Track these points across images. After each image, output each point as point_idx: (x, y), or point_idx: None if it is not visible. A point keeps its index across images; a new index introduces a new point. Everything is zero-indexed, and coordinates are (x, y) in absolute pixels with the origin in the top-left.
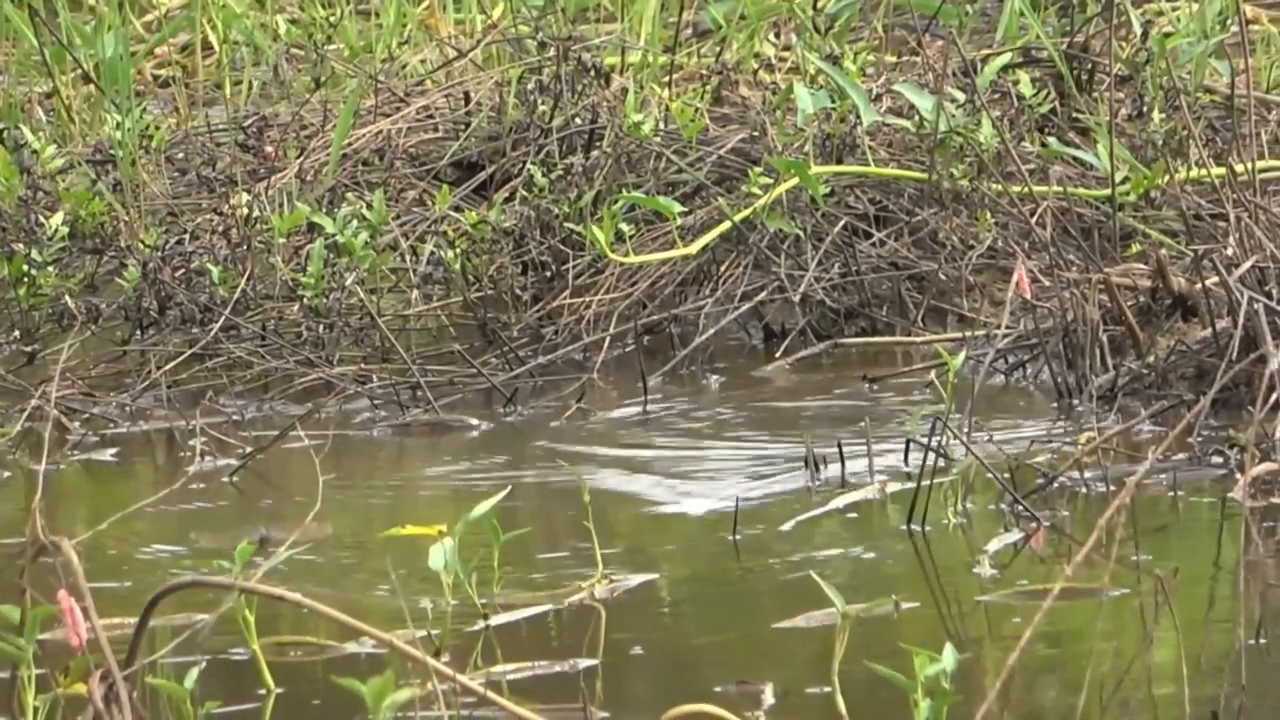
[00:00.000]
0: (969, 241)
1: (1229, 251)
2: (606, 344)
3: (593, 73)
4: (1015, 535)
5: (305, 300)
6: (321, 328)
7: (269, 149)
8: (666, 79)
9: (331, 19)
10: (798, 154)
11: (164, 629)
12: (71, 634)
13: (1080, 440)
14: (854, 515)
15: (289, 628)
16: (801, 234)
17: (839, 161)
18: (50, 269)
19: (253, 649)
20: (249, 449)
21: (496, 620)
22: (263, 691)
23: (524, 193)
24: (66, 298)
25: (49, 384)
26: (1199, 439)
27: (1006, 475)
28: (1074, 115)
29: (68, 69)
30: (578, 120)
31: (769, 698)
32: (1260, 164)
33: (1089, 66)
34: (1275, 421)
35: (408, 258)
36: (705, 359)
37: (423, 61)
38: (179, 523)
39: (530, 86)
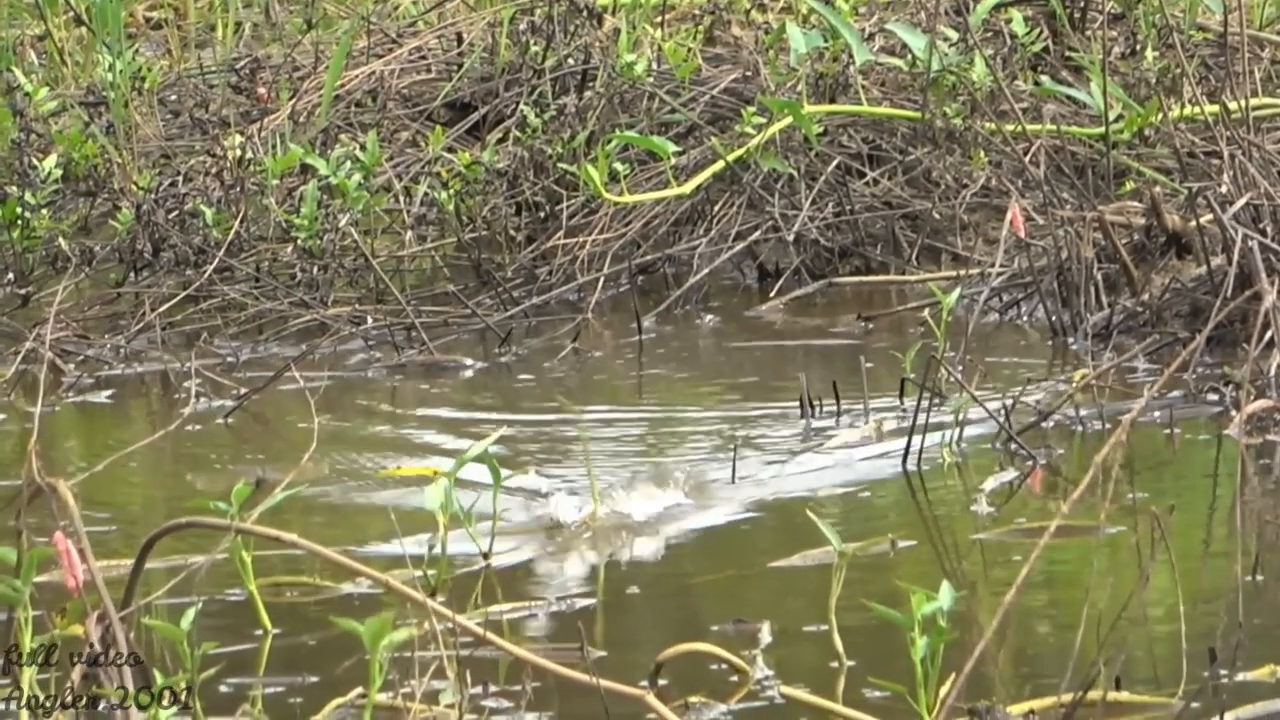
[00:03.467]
0: (963, 180)
1: (1223, 189)
2: (601, 284)
3: (585, 13)
4: (1011, 474)
5: (299, 242)
6: (316, 269)
7: (262, 91)
8: (659, 19)
9: None
10: (791, 93)
11: (160, 570)
12: (68, 575)
13: (1075, 378)
14: (849, 454)
15: (285, 569)
16: (795, 173)
17: (832, 101)
18: (44, 211)
19: (249, 590)
20: (244, 390)
21: (496, 561)
22: (259, 632)
23: (517, 133)
24: (60, 240)
25: (43, 326)
26: (1194, 376)
27: (1002, 413)
28: (1067, 53)
29: (59, 11)
30: (570, 61)
31: (766, 636)
32: (1253, 101)
33: (1082, 4)
34: (1270, 358)
35: (401, 199)
36: (700, 298)
37: (415, 2)
38: (174, 464)
39: (522, 27)
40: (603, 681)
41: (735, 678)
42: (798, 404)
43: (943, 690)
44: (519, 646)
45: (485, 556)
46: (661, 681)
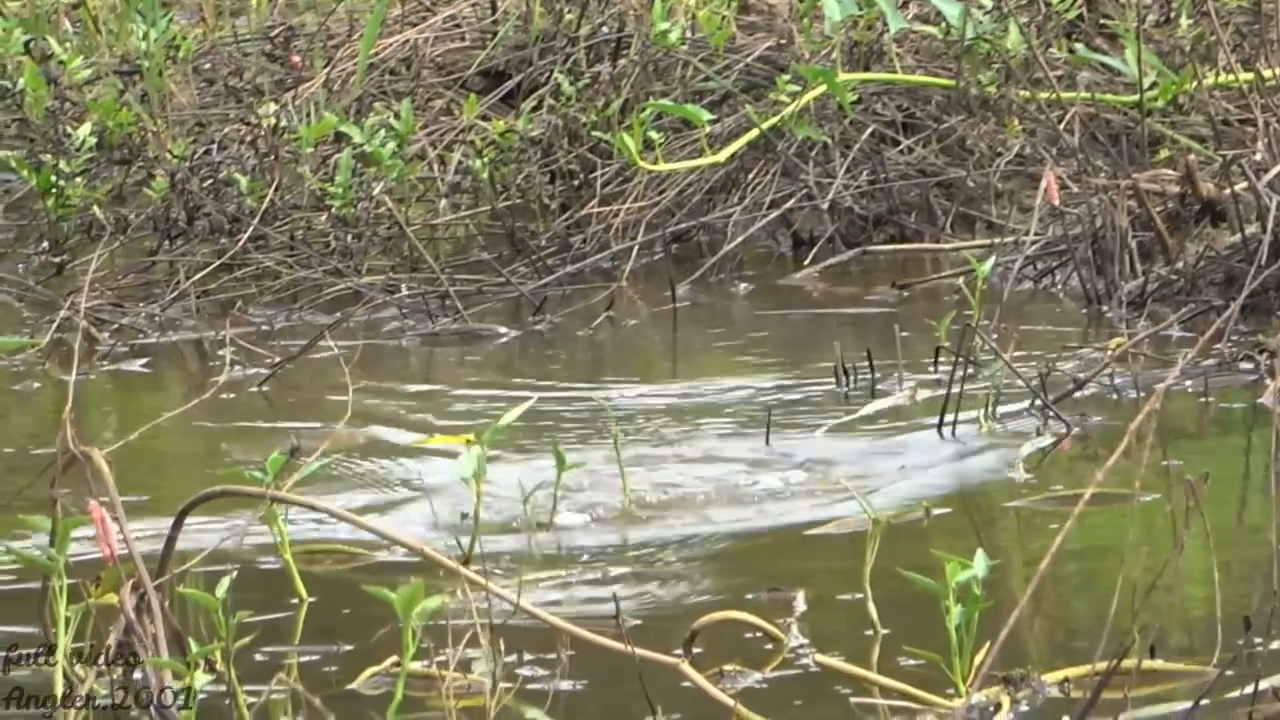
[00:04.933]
0: (997, 148)
1: (1257, 156)
2: (635, 252)
3: None
4: (1046, 441)
5: (333, 210)
6: (350, 237)
7: (296, 59)
8: None
9: None
10: (825, 61)
11: (195, 538)
12: (103, 544)
13: (1110, 346)
14: (884, 422)
15: (320, 537)
16: (829, 141)
17: (866, 69)
18: (78, 180)
19: (285, 558)
20: (278, 358)
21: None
22: (294, 601)
23: (551, 101)
24: (95, 208)
25: (78, 294)
26: (1228, 344)
27: (1036, 381)
28: (1101, 21)
29: None
30: (605, 28)
31: (800, 604)
32: None
33: None
34: None
35: (435, 167)
36: (734, 267)
37: None
38: (209, 433)
39: None
40: (637, 650)
41: (770, 646)
42: (832, 372)
43: (977, 658)
44: (553, 616)
45: (542, 527)
46: (696, 650)
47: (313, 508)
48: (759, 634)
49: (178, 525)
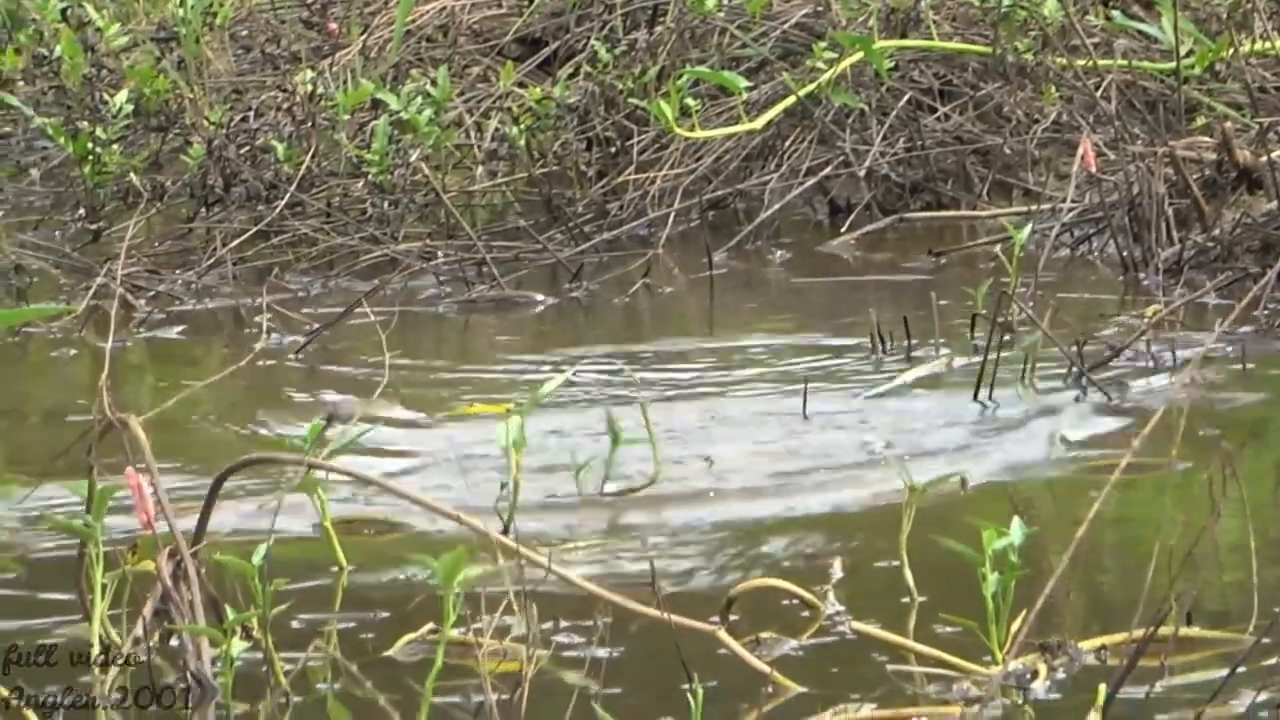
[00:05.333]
0: (1034, 115)
1: None
2: (671, 219)
3: None
4: (1088, 410)
5: (370, 177)
6: (386, 204)
7: (333, 26)
8: None
9: None
10: (862, 28)
11: (232, 505)
12: (139, 512)
13: (1147, 314)
14: (921, 390)
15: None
16: (866, 108)
17: (903, 36)
18: (115, 147)
19: (324, 525)
20: (315, 326)
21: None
22: (333, 568)
23: (588, 68)
24: (131, 175)
25: (114, 261)
26: (1265, 311)
27: (1073, 348)
28: None
29: None
30: None
31: (837, 572)
32: None
33: None
34: None
35: (472, 134)
36: (770, 234)
37: None
38: (245, 400)
39: None
40: (674, 617)
41: (806, 613)
42: (868, 339)
43: (1014, 626)
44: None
45: (602, 496)
46: (732, 617)
47: (349, 475)
48: (795, 601)
49: (214, 493)
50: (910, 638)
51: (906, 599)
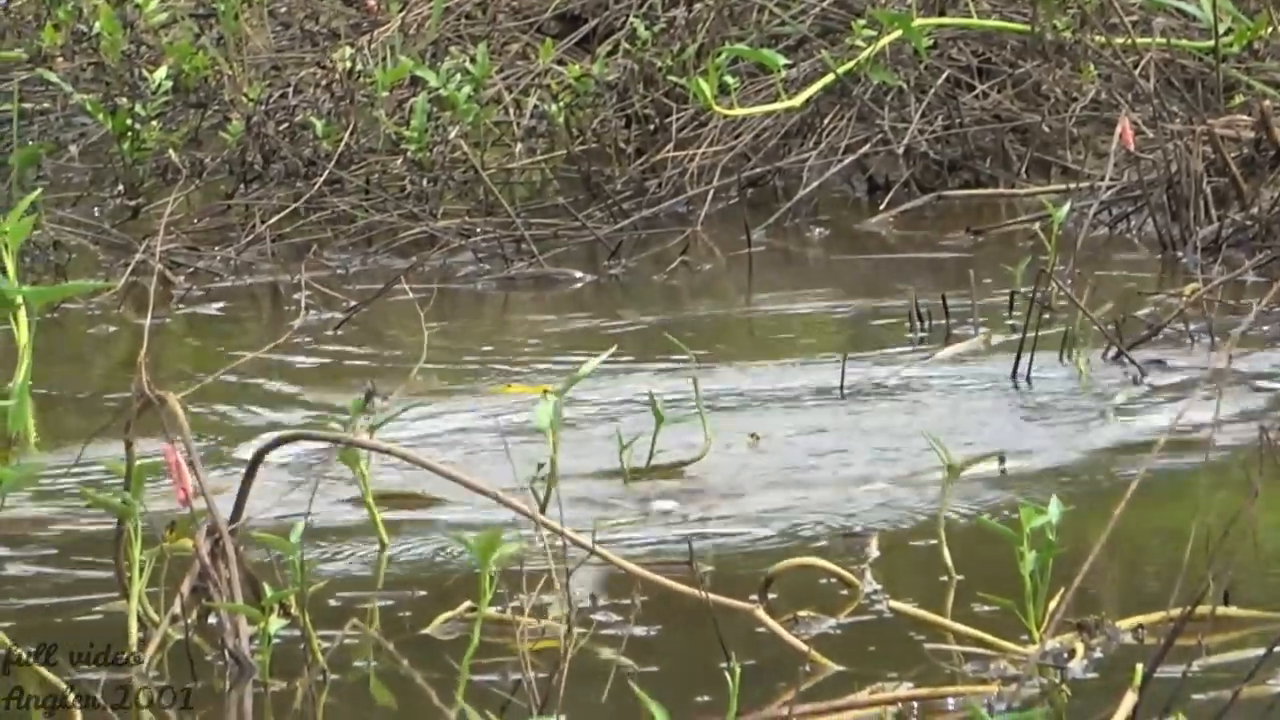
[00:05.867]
0: (1072, 94)
1: None
2: (710, 197)
3: None
4: (1137, 390)
5: (409, 154)
6: (425, 181)
7: (371, 2)
8: None
9: None
10: (901, 6)
11: (272, 484)
12: (177, 488)
13: (1185, 292)
14: (958, 367)
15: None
16: (905, 86)
17: (942, 14)
18: (154, 123)
19: (366, 502)
20: (353, 302)
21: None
22: (374, 546)
23: (627, 46)
24: (170, 152)
25: (153, 238)
26: None
27: (1111, 327)
28: None
29: None
30: None
31: (874, 550)
32: None
33: None
34: None
35: (511, 111)
36: (809, 211)
37: None
38: (283, 376)
39: None
40: (713, 596)
41: (845, 591)
42: (906, 317)
43: (1051, 604)
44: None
45: (635, 473)
46: (771, 595)
47: (387, 453)
48: (833, 580)
49: (252, 470)
50: (948, 617)
51: (945, 578)
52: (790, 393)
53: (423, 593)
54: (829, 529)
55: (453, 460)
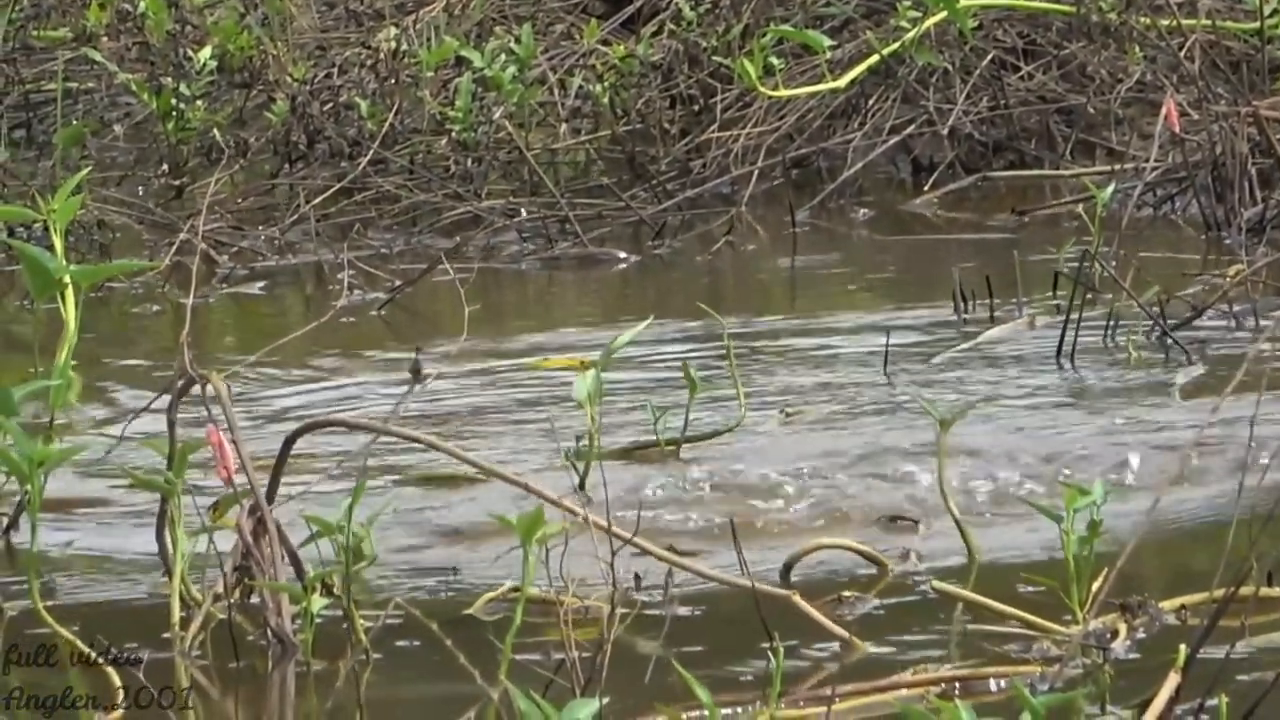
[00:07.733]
0: (1117, 75)
1: None
2: (754, 177)
3: None
4: (1197, 370)
5: (453, 134)
6: (470, 161)
7: None
8: None
9: None
10: None
11: (308, 463)
12: (220, 467)
13: (1229, 273)
14: (1003, 348)
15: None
16: (950, 67)
17: None
18: (199, 103)
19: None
20: (397, 282)
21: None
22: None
23: (672, 26)
24: (215, 132)
25: (197, 217)
26: None
27: (1155, 308)
28: None
29: None
30: None
31: (920, 531)
32: None
33: None
34: None
35: (556, 91)
36: (853, 192)
37: None
38: (326, 355)
39: None
40: (751, 582)
41: (876, 571)
42: (951, 298)
43: (1095, 585)
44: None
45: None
46: (811, 576)
47: (418, 441)
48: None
49: (285, 451)
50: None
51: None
52: (831, 372)
53: (466, 572)
54: (870, 506)
55: (497, 432)
